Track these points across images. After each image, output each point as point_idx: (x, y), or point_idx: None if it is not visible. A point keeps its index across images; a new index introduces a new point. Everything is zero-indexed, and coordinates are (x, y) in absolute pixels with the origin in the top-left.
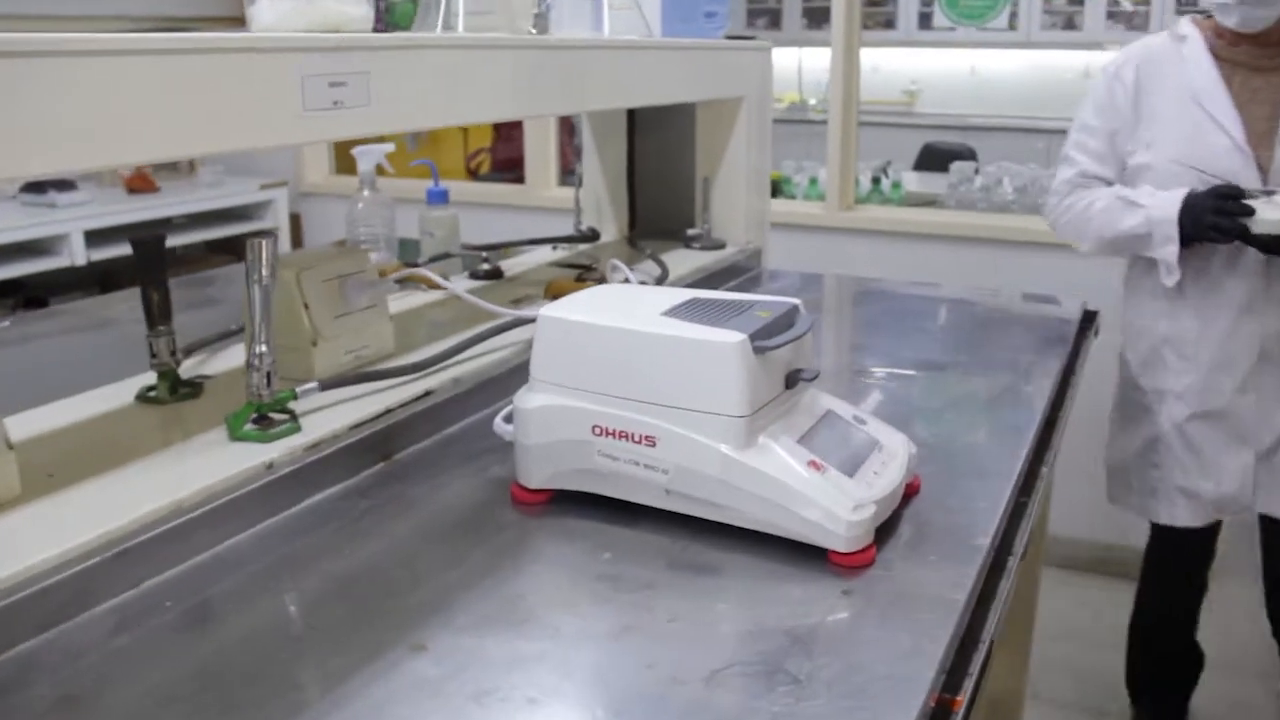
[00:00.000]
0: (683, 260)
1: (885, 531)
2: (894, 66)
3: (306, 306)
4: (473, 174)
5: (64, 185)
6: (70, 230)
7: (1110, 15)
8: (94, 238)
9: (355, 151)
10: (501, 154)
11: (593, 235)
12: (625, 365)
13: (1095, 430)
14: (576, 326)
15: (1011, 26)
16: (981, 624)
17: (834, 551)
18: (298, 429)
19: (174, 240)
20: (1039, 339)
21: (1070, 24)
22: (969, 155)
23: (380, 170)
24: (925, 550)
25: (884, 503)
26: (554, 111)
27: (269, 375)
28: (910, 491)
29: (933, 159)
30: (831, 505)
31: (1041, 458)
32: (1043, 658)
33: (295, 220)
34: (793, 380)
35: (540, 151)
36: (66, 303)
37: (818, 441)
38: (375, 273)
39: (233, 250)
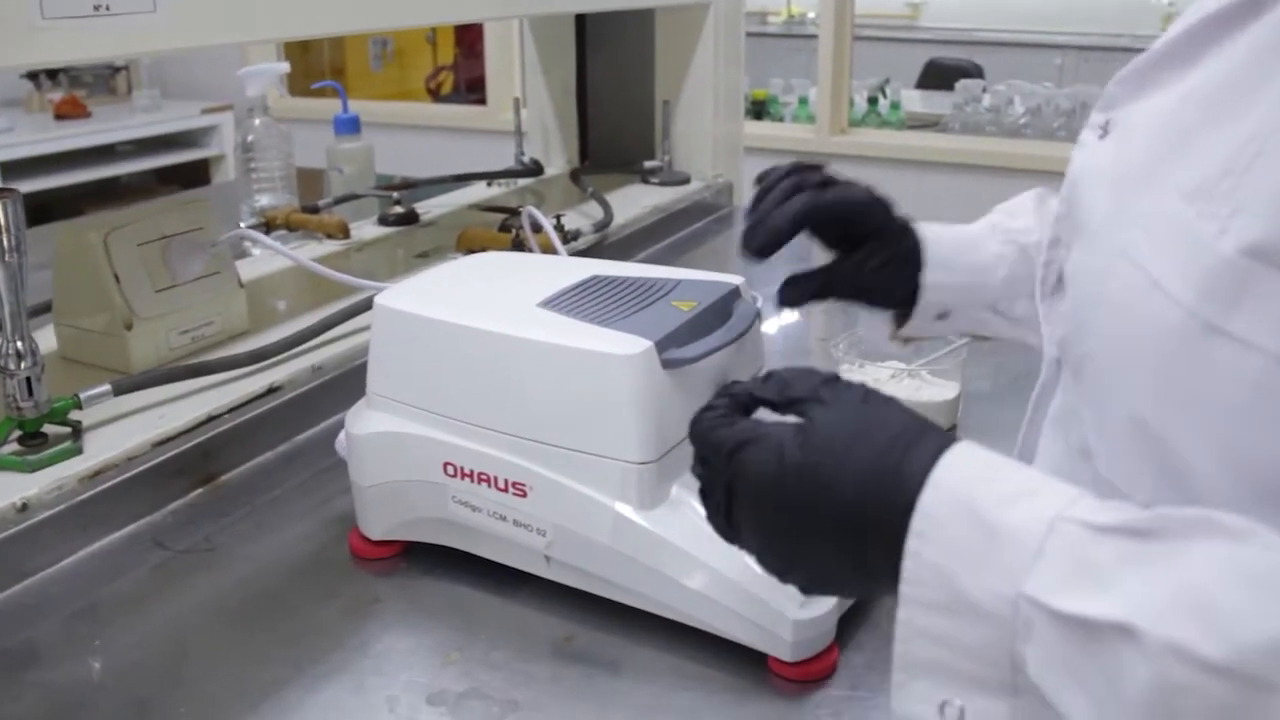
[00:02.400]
0: (636, 199)
1: (854, 617)
2: None
3: (117, 278)
4: (434, 95)
5: None
6: None
7: None
8: (15, 169)
9: (241, 74)
10: (465, 72)
11: (535, 169)
12: (484, 381)
13: None
14: (417, 322)
15: None
16: None
17: (776, 660)
18: (77, 450)
19: (117, 169)
20: None
21: None
22: (976, 72)
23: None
24: None
25: None
26: (457, 18)
27: (29, 381)
28: None
29: (937, 76)
30: (772, 595)
31: None
32: None
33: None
34: None
35: (503, 69)
36: None
37: None
38: (216, 231)
39: (183, 179)
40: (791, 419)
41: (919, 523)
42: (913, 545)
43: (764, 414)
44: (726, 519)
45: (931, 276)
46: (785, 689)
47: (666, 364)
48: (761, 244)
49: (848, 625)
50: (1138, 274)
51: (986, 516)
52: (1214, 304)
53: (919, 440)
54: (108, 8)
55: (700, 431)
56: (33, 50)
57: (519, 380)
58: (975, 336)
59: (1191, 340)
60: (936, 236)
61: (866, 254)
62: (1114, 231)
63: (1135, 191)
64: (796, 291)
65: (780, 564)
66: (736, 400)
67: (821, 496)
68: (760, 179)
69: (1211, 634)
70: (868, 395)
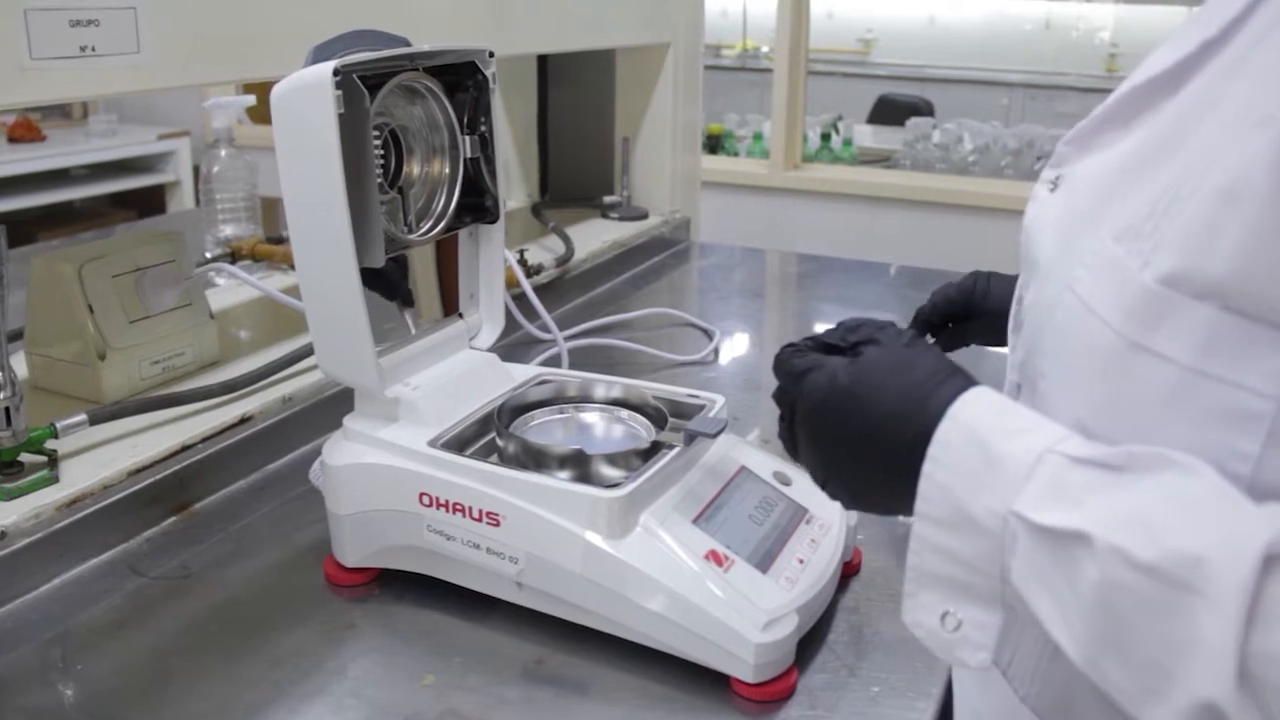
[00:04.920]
0: (596, 233)
1: (812, 640)
2: (849, 12)
3: (91, 310)
4: None
5: None
6: None
7: None
8: None
9: (207, 105)
10: None
11: None
12: None
13: None
14: None
15: None
16: None
17: (739, 681)
18: (53, 479)
19: (71, 194)
20: None
21: None
22: (926, 108)
23: None
24: (867, 668)
25: (810, 606)
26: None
27: (8, 411)
28: (848, 571)
29: (888, 112)
30: (735, 620)
31: None
32: None
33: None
34: (691, 434)
35: None
36: None
37: (723, 519)
38: (189, 264)
39: (138, 205)
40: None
41: (934, 449)
42: (927, 468)
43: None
44: (790, 433)
45: None
46: (747, 709)
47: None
48: None
49: (807, 648)
50: (1077, 304)
51: (989, 446)
52: (1137, 325)
53: (947, 380)
54: (94, 49)
55: (779, 361)
56: (22, 90)
57: None
58: None
59: (1119, 355)
60: None
61: (965, 328)
62: (1060, 269)
63: (1078, 235)
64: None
65: (823, 475)
66: (816, 341)
67: (860, 417)
68: None
69: (1148, 541)
70: (913, 340)
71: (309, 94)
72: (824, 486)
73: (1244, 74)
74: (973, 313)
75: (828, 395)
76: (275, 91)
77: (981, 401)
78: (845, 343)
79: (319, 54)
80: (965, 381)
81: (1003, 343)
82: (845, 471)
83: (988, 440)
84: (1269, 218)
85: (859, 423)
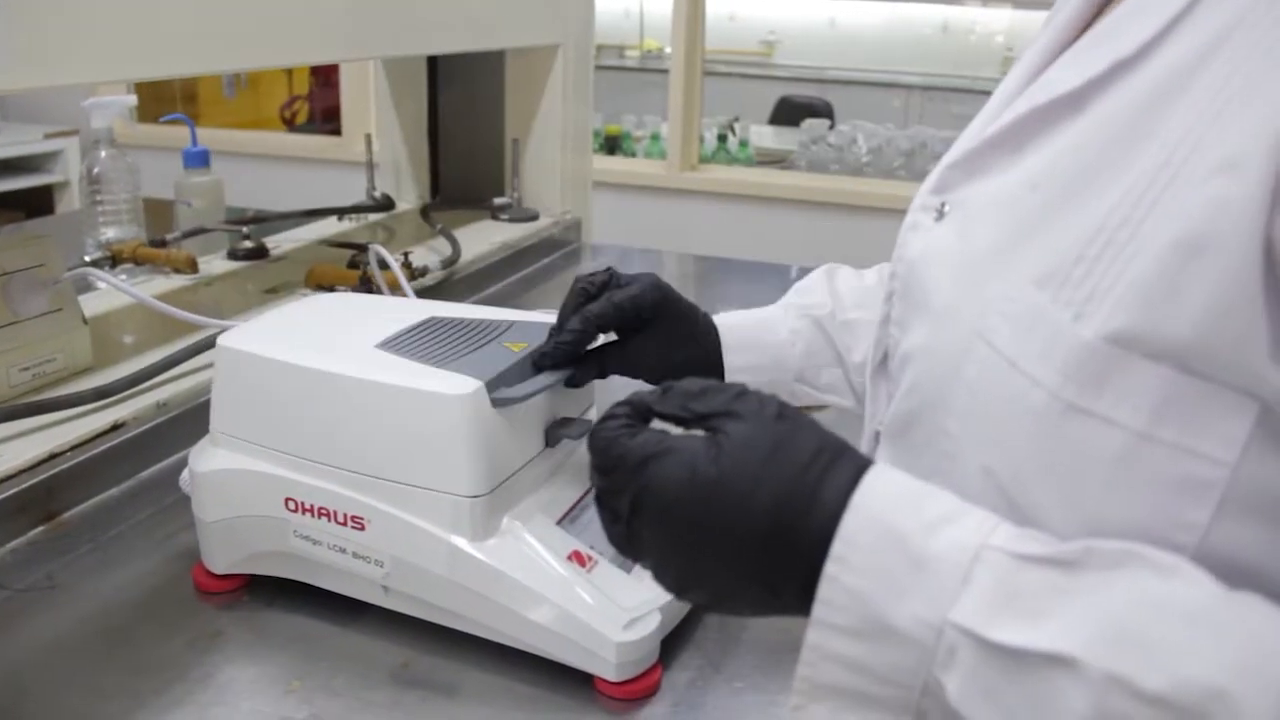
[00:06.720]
0: (485, 235)
1: (679, 638)
2: (752, 14)
3: None
4: (289, 124)
5: None
6: None
7: None
8: None
9: (86, 105)
10: (320, 102)
11: (387, 204)
12: (323, 419)
13: None
14: (258, 362)
15: None
16: None
17: (602, 680)
18: None
19: None
20: None
21: None
22: (826, 109)
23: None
24: (732, 665)
25: (675, 605)
26: (303, 60)
27: None
28: None
29: (789, 112)
30: (597, 620)
31: None
32: None
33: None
34: (555, 436)
35: (358, 100)
36: None
37: (588, 520)
38: (59, 267)
39: (26, 205)
40: (699, 433)
41: (839, 547)
42: (831, 569)
43: (657, 425)
44: (627, 530)
45: (730, 360)
46: (612, 707)
47: (496, 403)
48: (554, 364)
49: (671, 646)
50: (995, 357)
51: (910, 543)
52: (1076, 385)
53: (836, 461)
54: None
55: (602, 441)
56: None
57: (357, 419)
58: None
59: (1053, 418)
60: (730, 324)
61: (647, 337)
62: (965, 315)
63: (985, 276)
64: (582, 373)
65: (682, 581)
66: (637, 410)
67: (734, 514)
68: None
69: (1150, 666)
70: (782, 410)
71: None
72: (679, 594)
73: (1176, 105)
74: (652, 323)
75: (688, 490)
76: None
77: (887, 486)
78: (689, 414)
79: None
80: (856, 460)
81: (658, 371)
82: (711, 577)
83: (906, 536)
84: (1239, 274)
85: (733, 524)
